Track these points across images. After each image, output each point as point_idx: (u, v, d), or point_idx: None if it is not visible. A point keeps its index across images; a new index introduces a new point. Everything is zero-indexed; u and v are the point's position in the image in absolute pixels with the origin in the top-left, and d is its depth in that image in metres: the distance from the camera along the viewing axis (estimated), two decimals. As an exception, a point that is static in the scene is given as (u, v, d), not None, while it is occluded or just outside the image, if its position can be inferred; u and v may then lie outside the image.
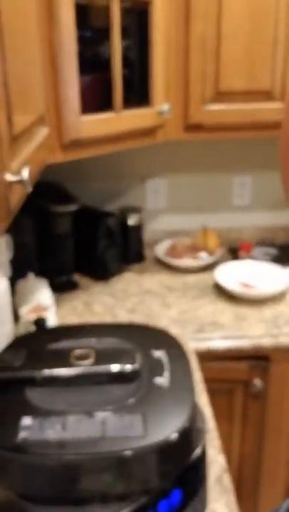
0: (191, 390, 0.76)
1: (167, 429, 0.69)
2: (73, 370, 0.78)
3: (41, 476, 0.66)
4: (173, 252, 1.84)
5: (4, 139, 0.67)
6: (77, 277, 1.76)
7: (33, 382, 0.78)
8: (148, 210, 1.98)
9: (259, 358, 1.42)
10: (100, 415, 0.70)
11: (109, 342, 0.87)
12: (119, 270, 1.79)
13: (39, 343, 0.88)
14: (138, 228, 1.86)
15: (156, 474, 0.69)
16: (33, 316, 1.23)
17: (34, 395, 0.75)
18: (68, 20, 1.14)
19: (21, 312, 1.34)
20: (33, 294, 1.43)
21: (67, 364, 0.79)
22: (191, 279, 1.75)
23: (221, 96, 1.48)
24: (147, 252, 1.94)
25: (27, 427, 0.68)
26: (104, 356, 0.81)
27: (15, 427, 0.69)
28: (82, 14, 1.26)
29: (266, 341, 1.38)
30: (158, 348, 0.84)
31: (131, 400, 0.73)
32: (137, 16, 1.43)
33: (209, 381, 1.29)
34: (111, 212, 1.78)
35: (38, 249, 1.65)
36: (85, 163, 1.77)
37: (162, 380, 0.77)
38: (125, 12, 1.38)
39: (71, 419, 0.70)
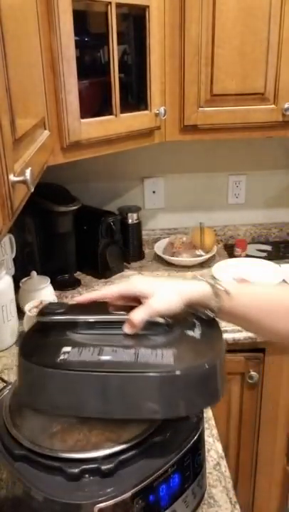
0: (220, 340, 0.79)
1: (196, 362, 0.72)
2: (111, 317, 0.82)
3: (76, 392, 0.71)
4: (171, 249, 1.87)
5: (7, 141, 0.68)
6: (78, 275, 1.79)
7: (75, 326, 0.81)
8: (146, 209, 2.00)
9: (255, 351, 1.45)
10: (134, 348, 0.74)
11: None
12: (119, 267, 1.81)
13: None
14: (137, 227, 1.89)
15: (183, 401, 0.71)
16: (36, 312, 1.26)
17: (75, 335, 0.80)
18: (67, 26, 1.17)
19: (25, 309, 1.37)
20: (36, 291, 1.45)
21: (105, 313, 0.83)
22: (189, 275, 1.78)
23: (215, 98, 1.50)
24: (146, 250, 1.97)
25: (67, 352, 0.73)
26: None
27: (56, 351, 0.74)
28: (81, 20, 1.28)
29: (261, 334, 1.41)
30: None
31: (164, 341, 0.76)
32: (133, 21, 1.45)
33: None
34: (111, 212, 1.80)
35: (41, 248, 1.67)
36: (85, 164, 1.79)
37: (193, 333, 0.79)
38: (122, 17, 1.41)
39: (107, 349, 0.74)
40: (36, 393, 0.74)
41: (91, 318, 0.82)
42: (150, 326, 0.79)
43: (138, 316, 0.76)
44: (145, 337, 0.78)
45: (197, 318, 0.82)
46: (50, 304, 0.89)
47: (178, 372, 0.69)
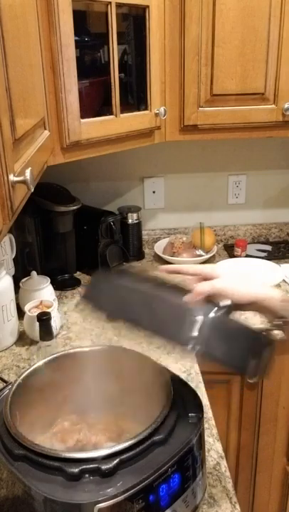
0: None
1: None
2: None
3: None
4: (171, 249, 1.87)
5: (7, 141, 0.68)
6: (78, 275, 1.79)
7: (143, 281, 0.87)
8: (146, 209, 2.00)
9: (255, 351, 1.45)
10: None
11: None
12: (119, 267, 1.81)
13: None
14: (137, 227, 1.89)
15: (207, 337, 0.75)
16: (36, 312, 1.26)
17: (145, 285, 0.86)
18: (67, 26, 1.17)
19: (25, 309, 1.37)
20: (36, 291, 1.45)
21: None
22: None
23: (215, 98, 1.51)
24: (146, 250, 1.97)
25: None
26: None
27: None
28: (81, 20, 1.28)
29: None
30: None
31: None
32: (133, 21, 1.45)
33: (207, 373, 1.31)
34: (111, 212, 1.81)
35: (41, 248, 1.67)
36: (85, 164, 1.79)
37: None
38: (122, 17, 1.41)
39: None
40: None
41: (160, 278, 0.87)
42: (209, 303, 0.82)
43: (202, 287, 0.79)
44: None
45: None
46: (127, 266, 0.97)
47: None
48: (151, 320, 0.79)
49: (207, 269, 0.84)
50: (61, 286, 1.70)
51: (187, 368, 1.27)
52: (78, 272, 1.81)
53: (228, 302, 0.79)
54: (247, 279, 0.83)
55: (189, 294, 0.81)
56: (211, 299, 0.80)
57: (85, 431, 0.78)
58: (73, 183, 1.86)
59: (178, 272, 0.87)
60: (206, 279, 0.82)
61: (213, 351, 0.75)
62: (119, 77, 1.35)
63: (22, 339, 1.41)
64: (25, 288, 1.46)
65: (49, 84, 1.18)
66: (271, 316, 0.81)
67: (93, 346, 1.05)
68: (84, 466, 0.69)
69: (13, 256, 1.53)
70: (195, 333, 0.74)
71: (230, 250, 1.96)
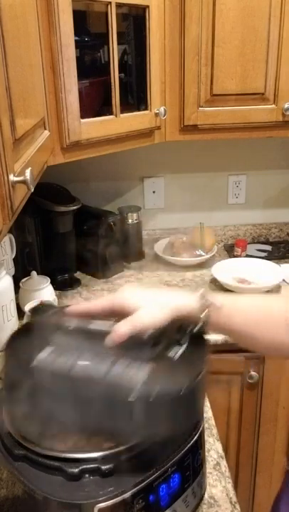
0: (200, 365, 0.75)
1: (166, 387, 0.69)
2: (97, 325, 0.80)
3: (43, 400, 0.70)
4: (171, 249, 1.87)
5: (7, 141, 0.68)
6: (78, 275, 1.80)
7: (61, 330, 0.81)
8: (146, 209, 2.00)
9: (255, 351, 1.45)
10: (109, 363, 0.72)
11: None
12: (119, 267, 1.82)
13: None
14: (137, 227, 1.89)
15: (143, 423, 0.68)
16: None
17: (59, 338, 0.79)
18: (67, 26, 1.17)
19: (25, 309, 1.36)
20: (36, 291, 1.45)
21: (94, 321, 0.82)
22: (189, 275, 1.78)
23: (215, 98, 1.51)
24: (146, 250, 1.97)
25: (42, 358, 0.73)
26: None
27: (34, 353, 0.73)
28: (81, 20, 1.28)
29: (261, 334, 1.41)
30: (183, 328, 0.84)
31: (142, 359, 0.74)
32: (133, 21, 1.46)
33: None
34: (111, 212, 1.80)
35: (41, 248, 1.68)
36: (85, 164, 1.79)
37: (175, 352, 0.77)
38: (122, 17, 1.41)
39: (82, 361, 0.73)
40: (9, 390, 0.74)
41: (77, 325, 0.81)
42: (134, 339, 0.77)
43: (121, 329, 0.75)
44: (124, 351, 0.76)
45: (186, 332, 0.80)
46: (44, 304, 0.89)
47: (131, 399, 0.67)
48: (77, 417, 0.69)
49: (117, 301, 0.78)
50: (61, 286, 1.70)
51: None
52: (78, 272, 1.81)
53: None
54: (158, 295, 0.79)
55: (108, 337, 0.76)
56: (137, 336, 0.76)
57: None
58: (73, 183, 1.86)
59: (87, 314, 0.81)
60: (121, 313, 0.78)
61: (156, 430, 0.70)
62: (119, 77, 1.36)
63: (22, 339, 1.40)
64: (25, 288, 1.46)
65: (49, 84, 1.18)
66: (195, 323, 0.79)
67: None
68: (84, 466, 0.69)
69: (13, 256, 1.52)
70: (133, 425, 0.68)
71: (230, 250, 1.96)
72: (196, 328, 0.79)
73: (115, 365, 0.71)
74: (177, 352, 0.77)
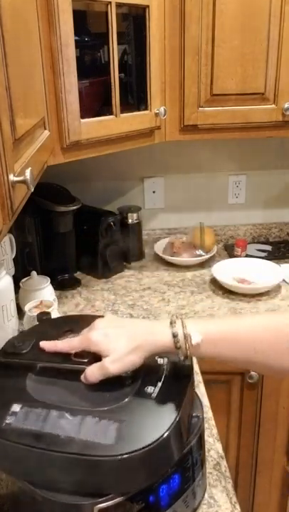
0: (176, 407, 0.73)
1: (136, 443, 0.67)
2: (69, 366, 0.80)
3: (15, 463, 0.70)
4: (171, 249, 1.87)
5: (7, 141, 0.68)
6: (78, 275, 1.80)
7: (34, 369, 0.81)
8: (146, 209, 2.00)
9: (255, 350, 1.45)
10: (79, 417, 0.72)
11: None
12: (119, 267, 1.82)
13: (48, 333, 0.90)
14: (137, 227, 1.89)
15: (113, 485, 0.68)
16: (36, 312, 1.26)
17: (31, 383, 0.79)
18: (67, 26, 1.17)
19: (25, 308, 1.36)
20: (36, 291, 1.45)
21: (67, 359, 0.81)
22: (189, 275, 1.78)
23: (215, 98, 1.51)
24: (146, 250, 1.97)
25: (14, 413, 0.73)
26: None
27: (5, 409, 0.73)
28: (81, 20, 1.28)
29: (261, 334, 1.41)
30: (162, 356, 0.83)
31: (114, 405, 0.74)
32: (133, 21, 1.45)
33: (207, 373, 1.31)
34: (111, 212, 1.80)
35: (41, 248, 1.68)
36: (85, 164, 1.79)
37: (152, 390, 0.76)
38: (122, 17, 1.41)
39: (54, 414, 0.72)
40: None
41: (50, 365, 0.82)
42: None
43: (92, 375, 0.76)
44: (100, 394, 0.76)
45: (163, 368, 0.80)
46: (15, 339, 0.88)
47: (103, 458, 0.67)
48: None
49: (94, 344, 0.78)
50: (61, 286, 1.70)
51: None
52: (78, 272, 1.81)
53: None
54: (131, 332, 0.78)
55: (82, 377, 0.77)
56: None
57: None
58: (73, 183, 1.86)
59: (56, 350, 0.82)
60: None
61: None
62: (119, 77, 1.35)
63: (22, 339, 1.40)
64: (25, 288, 1.46)
65: (49, 84, 1.18)
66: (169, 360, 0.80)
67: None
68: None
69: (13, 256, 1.52)
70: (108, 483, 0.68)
71: (230, 250, 1.96)
72: (169, 368, 0.79)
73: (88, 417, 0.71)
74: (154, 389, 0.76)
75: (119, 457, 0.66)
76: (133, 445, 0.67)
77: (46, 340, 0.85)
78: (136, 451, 0.67)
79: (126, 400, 0.74)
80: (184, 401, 0.75)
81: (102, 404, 0.74)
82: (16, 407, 0.73)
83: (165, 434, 0.69)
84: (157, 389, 0.76)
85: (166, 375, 0.79)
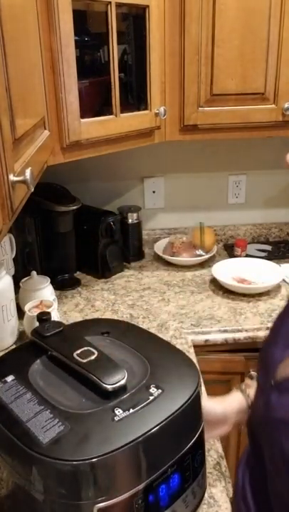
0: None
1: (62, 454, 0.66)
2: (68, 362, 0.82)
3: None
4: (171, 249, 1.87)
5: (7, 141, 0.68)
6: (78, 275, 1.80)
7: (46, 354, 0.87)
8: (146, 209, 2.00)
9: (255, 350, 1.44)
10: (42, 407, 0.74)
11: (122, 351, 0.88)
12: (119, 267, 1.82)
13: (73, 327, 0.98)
14: (137, 227, 1.89)
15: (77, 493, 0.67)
16: (36, 312, 1.26)
17: (39, 365, 0.86)
18: (67, 26, 1.17)
19: (25, 308, 1.37)
20: (36, 291, 1.45)
21: (70, 357, 0.82)
22: (189, 275, 1.78)
23: (215, 98, 1.51)
24: (146, 250, 1.97)
25: (5, 382, 0.81)
26: (101, 362, 0.81)
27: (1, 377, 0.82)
28: (81, 20, 1.28)
29: (261, 334, 1.41)
30: (163, 376, 0.81)
31: (77, 411, 0.73)
32: (133, 21, 1.45)
33: (207, 372, 1.31)
34: (111, 212, 1.80)
35: (41, 248, 1.68)
36: (85, 164, 1.79)
37: (119, 414, 0.73)
38: (122, 17, 1.41)
39: (27, 396, 0.77)
40: None
41: (55, 354, 0.86)
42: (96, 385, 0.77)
43: None
44: (80, 396, 0.77)
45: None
46: (50, 324, 0.93)
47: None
48: None
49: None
50: (61, 286, 1.70)
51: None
52: (78, 272, 1.81)
53: None
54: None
55: None
56: None
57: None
58: (73, 183, 1.86)
59: None
60: None
61: None
62: (119, 77, 1.35)
63: (22, 339, 1.41)
64: (25, 288, 1.46)
65: (49, 84, 1.18)
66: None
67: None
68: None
69: (13, 256, 1.52)
70: None
71: (230, 250, 1.96)
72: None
73: (41, 415, 0.73)
74: (121, 414, 0.73)
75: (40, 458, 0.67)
76: (61, 454, 0.66)
77: (73, 336, 0.90)
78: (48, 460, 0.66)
79: (89, 411, 0.73)
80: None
81: (71, 406, 0.74)
82: (9, 378, 0.81)
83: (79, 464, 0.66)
84: (124, 415, 0.72)
85: (144, 406, 0.75)
